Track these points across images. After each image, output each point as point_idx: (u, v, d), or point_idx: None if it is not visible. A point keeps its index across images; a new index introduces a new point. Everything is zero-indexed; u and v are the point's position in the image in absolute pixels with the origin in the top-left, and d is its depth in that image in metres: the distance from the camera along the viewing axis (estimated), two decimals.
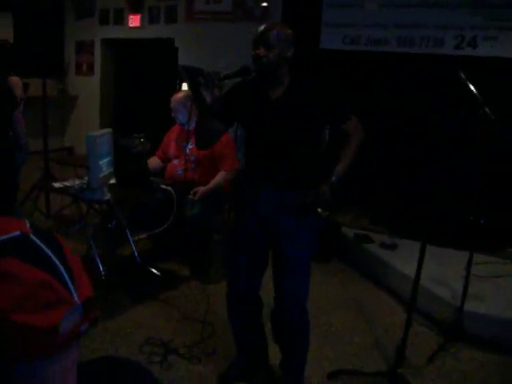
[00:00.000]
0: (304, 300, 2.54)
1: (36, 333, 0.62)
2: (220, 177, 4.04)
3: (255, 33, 2.31)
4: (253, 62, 2.31)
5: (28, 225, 0.70)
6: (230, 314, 2.73)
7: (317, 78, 2.47)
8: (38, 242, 0.68)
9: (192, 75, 6.14)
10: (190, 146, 4.14)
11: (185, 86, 5.88)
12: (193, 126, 4.17)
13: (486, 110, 2.83)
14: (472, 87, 2.88)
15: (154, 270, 3.90)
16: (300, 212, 2.39)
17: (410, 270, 3.25)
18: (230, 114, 2.53)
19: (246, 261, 2.54)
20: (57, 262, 0.67)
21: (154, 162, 4.28)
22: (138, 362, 0.96)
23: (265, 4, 6.42)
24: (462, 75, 2.92)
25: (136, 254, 3.93)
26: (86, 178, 3.79)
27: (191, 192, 3.96)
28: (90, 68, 8.24)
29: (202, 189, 3.96)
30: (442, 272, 3.83)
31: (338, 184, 2.39)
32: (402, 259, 4.07)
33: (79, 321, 0.67)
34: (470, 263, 3.23)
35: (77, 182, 3.90)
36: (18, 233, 0.67)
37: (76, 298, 0.66)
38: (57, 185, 3.99)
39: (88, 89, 8.23)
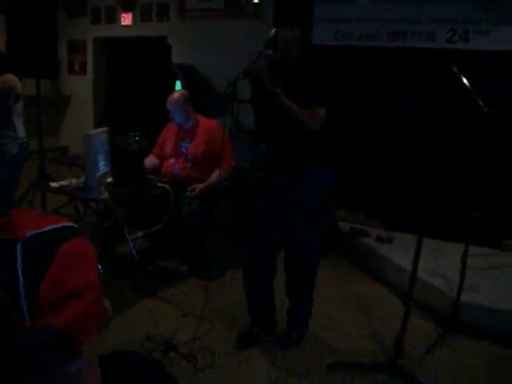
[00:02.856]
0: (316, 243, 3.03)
1: None
2: (217, 175, 4.06)
3: (267, 36, 2.82)
4: (264, 59, 2.78)
5: (37, 231, 0.68)
6: (246, 280, 3.16)
7: (308, 71, 2.91)
8: (19, 252, 0.65)
9: (185, 73, 6.17)
10: (186, 145, 4.16)
11: (178, 85, 5.89)
12: (189, 125, 4.19)
13: (479, 102, 2.86)
14: (465, 80, 2.90)
15: (152, 267, 3.91)
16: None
17: (406, 262, 3.28)
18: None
19: (264, 234, 2.96)
20: (21, 280, 0.63)
21: (150, 160, 4.29)
22: (155, 358, 0.99)
23: (256, 1, 6.43)
24: (455, 69, 2.94)
25: (134, 251, 3.94)
26: (83, 177, 3.80)
27: (189, 189, 3.98)
28: (83, 67, 8.23)
29: (199, 186, 3.98)
30: (438, 264, 3.87)
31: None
32: (399, 252, 4.11)
33: (44, 348, 0.64)
34: (465, 255, 3.26)
35: (73, 181, 3.90)
36: (9, 237, 0.67)
37: (28, 323, 0.63)
38: (53, 184, 3.98)
39: (81, 88, 8.22)
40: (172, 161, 4.21)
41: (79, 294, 0.67)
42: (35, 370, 0.66)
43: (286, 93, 2.69)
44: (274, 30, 2.84)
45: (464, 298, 3.32)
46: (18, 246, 0.65)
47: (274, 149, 2.92)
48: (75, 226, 0.75)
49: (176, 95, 4.16)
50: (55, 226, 0.71)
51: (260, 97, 2.89)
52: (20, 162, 4.13)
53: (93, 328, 0.71)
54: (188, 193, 3.98)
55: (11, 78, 3.95)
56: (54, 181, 4.12)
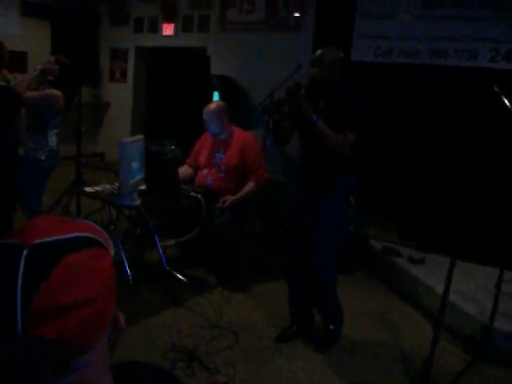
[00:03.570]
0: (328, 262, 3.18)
1: None
2: (249, 187, 4.07)
3: (313, 55, 2.95)
4: (308, 78, 2.94)
5: (46, 239, 0.68)
6: (288, 283, 3.38)
7: (347, 91, 3.02)
8: (23, 259, 0.65)
9: (223, 84, 6.22)
10: (220, 156, 4.17)
11: (216, 96, 5.94)
12: (225, 135, 4.21)
13: None
14: (506, 101, 2.84)
15: (180, 276, 3.92)
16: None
17: (437, 285, 3.21)
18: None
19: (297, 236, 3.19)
20: (19, 287, 0.63)
21: (184, 170, 4.32)
22: (168, 369, 0.98)
23: (297, 14, 6.44)
24: (496, 89, 2.88)
25: (164, 259, 3.97)
26: (117, 184, 3.85)
27: (220, 200, 3.99)
28: (124, 75, 8.38)
29: (231, 198, 3.99)
30: (470, 288, 3.77)
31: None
32: (430, 274, 4.02)
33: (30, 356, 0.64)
34: (500, 279, 3.17)
35: (107, 187, 3.96)
36: (15, 241, 0.67)
37: (20, 332, 0.63)
38: (88, 189, 4.05)
39: (121, 95, 8.36)
40: (206, 171, 4.23)
41: (76, 307, 0.65)
42: (26, 382, 0.65)
43: (324, 112, 2.83)
44: (319, 50, 2.95)
45: (496, 324, 3.21)
46: (24, 252, 0.65)
47: (306, 162, 3.14)
48: (93, 237, 0.74)
49: (212, 106, 4.19)
50: (69, 235, 0.70)
51: (298, 118, 2.99)
52: (46, 169, 4.16)
53: (92, 343, 0.70)
54: (220, 204, 3.98)
55: (53, 94, 4.02)
56: (89, 186, 4.20)
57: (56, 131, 4.19)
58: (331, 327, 3.34)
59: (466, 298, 3.64)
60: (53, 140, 4.16)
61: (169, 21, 7.61)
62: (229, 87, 6.32)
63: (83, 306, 0.66)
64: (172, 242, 4.26)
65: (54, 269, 0.65)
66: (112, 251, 0.77)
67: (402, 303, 4.09)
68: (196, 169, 4.36)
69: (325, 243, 3.09)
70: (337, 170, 3.02)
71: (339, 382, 2.95)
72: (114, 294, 0.75)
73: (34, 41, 7.20)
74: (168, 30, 7.65)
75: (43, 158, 4.06)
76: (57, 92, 4.00)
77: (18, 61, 6.39)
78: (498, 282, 3.18)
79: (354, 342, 3.41)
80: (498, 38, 4.97)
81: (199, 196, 3.91)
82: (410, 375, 3.06)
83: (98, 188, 4.00)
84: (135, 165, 3.75)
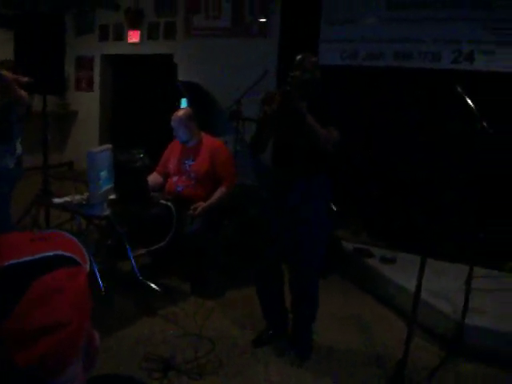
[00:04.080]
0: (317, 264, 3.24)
1: None
2: (220, 193, 4.06)
3: (295, 59, 3.06)
4: (289, 81, 2.99)
5: (17, 260, 0.66)
6: (259, 287, 3.38)
7: (324, 92, 3.15)
8: None
9: (191, 91, 6.20)
10: (190, 163, 4.16)
11: (184, 103, 5.92)
12: (193, 142, 4.20)
13: (484, 123, 2.84)
14: (469, 101, 2.90)
15: (153, 285, 3.89)
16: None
17: (410, 283, 3.25)
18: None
19: (273, 238, 3.17)
20: None
21: (153, 177, 4.29)
22: (142, 380, 0.96)
23: (263, 20, 6.48)
24: (459, 89, 2.94)
25: (136, 269, 3.93)
26: (86, 194, 3.80)
27: (191, 207, 3.97)
28: (90, 83, 8.29)
29: (202, 204, 3.97)
30: (442, 286, 3.82)
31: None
32: (402, 273, 4.06)
33: None
34: (470, 277, 3.22)
35: (76, 197, 3.90)
36: None
37: None
38: (56, 200, 3.98)
39: (88, 104, 8.27)
40: (175, 178, 4.21)
41: (48, 332, 0.64)
42: None
43: (309, 112, 2.93)
44: (300, 55, 3.10)
45: (468, 320, 3.27)
46: None
47: (287, 160, 3.15)
48: (65, 254, 0.72)
49: (180, 113, 4.18)
50: (40, 255, 0.68)
51: (285, 116, 3.02)
52: (13, 178, 4.04)
53: (66, 365, 0.68)
54: (190, 211, 3.96)
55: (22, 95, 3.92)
56: (57, 197, 4.13)
57: (20, 139, 4.09)
58: (312, 337, 3.37)
59: (438, 296, 3.69)
60: (19, 147, 4.06)
61: (134, 28, 7.56)
62: (196, 94, 6.31)
63: (55, 330, 0.64)
64: (143, 251, 4.22)
65: (25, 293, 0.63)
66: (87, 263, 0.76)
67: (375, 304, 4.13)
68: (166, 176, 4.33)
69: (313, 239, 3.10)
70: (322, 166, 3.12)
71: None
72: (88, 313, 0.73)
73: None
74: (134, 37, 7.60)
75: (11, 166, 3.97)
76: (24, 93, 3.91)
77: None
78: (468, 279, 3.23)
79: (329, 345, 3.43)
80: (460, 40, 5.07)
81: (169, 204, 3.89)
82: (385, 375, 3.08)
83: (66, 198, 3.94)
84: (104, 174, 3.71)
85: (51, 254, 0.69)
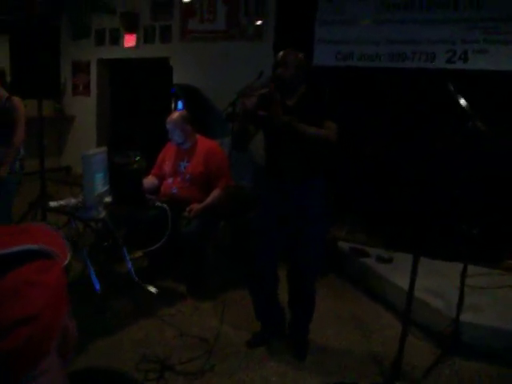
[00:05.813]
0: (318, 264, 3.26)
1: None
2: (215, 194, 4.07)
3: (276, 57, 3.03)
4: (273, 79, 2.97)
5: None
6: (253, 290, 3.32)
7: (320, 89, 3.11)
8: None
9: (187, 94, 6.22)
10: (185, 165, 4.17)
11: (180, 105, 5.93)
12: (188, 144, 4.21)
13: (477, 122, 2.85)
14: (461, 100, 2.91)
15: (150, 287, 3.89)
16: None
17: (405, 282, 3.24)
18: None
19: (268, 243, 3.12)
20: None
21: (149, 180, 4.30)
22: (126, 372, 0.97)
23: (258, 22, 6.50)
24: (451, 88, 2.95)
25: (132, 271, 3.93)
26: (82, 197, 3.81)
27: (186, 209, 3.98)
28: (87, 88, 8.31)
29: (197, 206, 3.98)
30: (437, 284, 3.83)
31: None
32: (398, 272, 4.07)
33: None
34: (464, 274, 3.23)
35: (72, 200, 3.91)
36: None
37: None
38: (52, 204, 3.99)
39: (85, 108, 8.29)
40: (170, 180, 4.22)
41: (18, 326, 0.63)
42: None
43: (299, 111, 2.93)
44: (281, 52, 3.06)
45: (463, 317, 3.28)
46: None
47: (285, 160, 3.08)
48: (39, 248, 0.71)
49: (175, 115, 4.20)
50: (11, 249, 0.68)
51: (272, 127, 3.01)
52: (19, 179, 4.11)
53: (40, 357, 0.68)
54: (185, 213, 3.97)
55: (14, 101, 3.96)
56: (54, 200, 4.14)
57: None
58: (307, 336, 3.36)
59: (433, 294, 3.70)
60: (22, 151, 4.11)
61: (130, 32, 7.58)
62: (193, 96, 6.33)
63: (26, 323, 0.64)
64: (140, 253, 4.23)
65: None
66: (67, 255, 0.76)
67: (371, 303, 4.14)
68: (161, 178, 4.34)
69: (312, 241, 3.07)
70: (318, 169, 3.08)
71: (312, 381, 2.96)
72: (63, 305, 0.72)
73: None
74: (130, 41, 7.63)
75: (17, 168, 4.02)
76: (18, 99, 3.96)
77: None
78: (462, 277, 3.24)
79: (325, 344, 3.44)
80: (454, 40, 5.09)
81: (165, 205, 3.90)
82: (382, 372, 3.09)
83: (62, 202, 3.95)
84: (100, 177, 3.72)
85: (24, 248, 0.69)
